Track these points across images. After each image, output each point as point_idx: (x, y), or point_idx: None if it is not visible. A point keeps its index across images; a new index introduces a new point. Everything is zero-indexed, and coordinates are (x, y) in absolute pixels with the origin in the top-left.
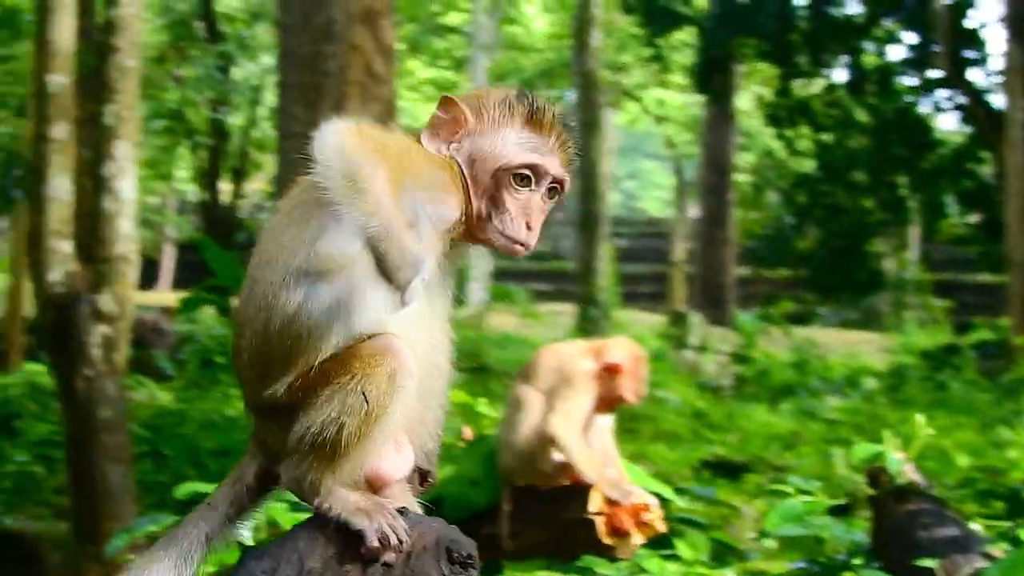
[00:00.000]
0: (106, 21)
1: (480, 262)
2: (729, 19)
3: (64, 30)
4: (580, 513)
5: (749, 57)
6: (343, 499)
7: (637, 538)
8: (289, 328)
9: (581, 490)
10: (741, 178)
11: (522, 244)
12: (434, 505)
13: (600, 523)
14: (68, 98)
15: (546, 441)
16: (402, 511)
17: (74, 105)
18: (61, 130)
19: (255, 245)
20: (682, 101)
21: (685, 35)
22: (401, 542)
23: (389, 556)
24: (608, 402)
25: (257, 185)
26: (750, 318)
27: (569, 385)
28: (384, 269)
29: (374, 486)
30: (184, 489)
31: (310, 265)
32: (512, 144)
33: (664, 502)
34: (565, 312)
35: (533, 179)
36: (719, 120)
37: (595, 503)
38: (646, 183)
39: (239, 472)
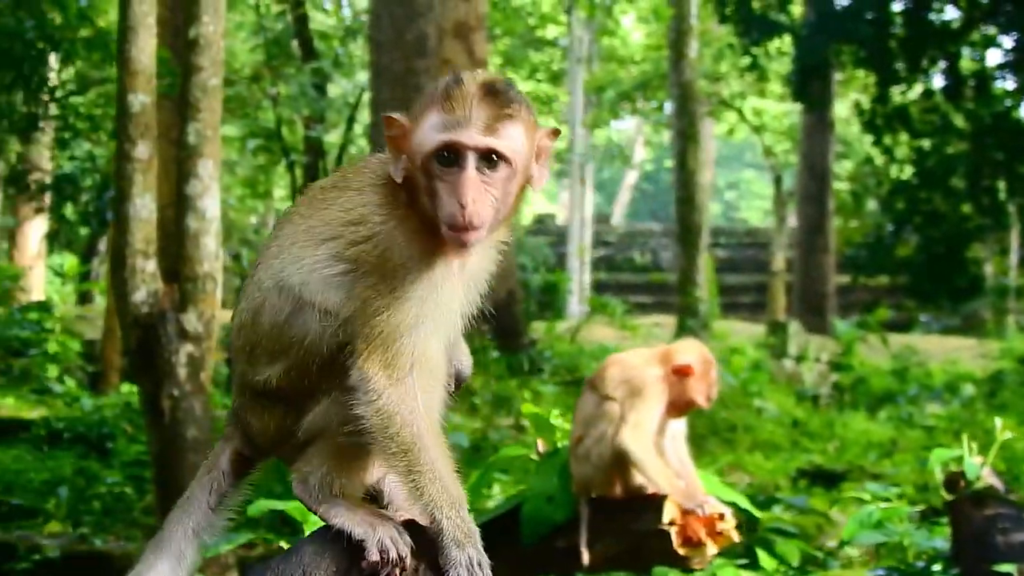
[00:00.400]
0: (188, 39)
1: (577, 275)
2: (826, 26)
3: (145, 49)
4: (654, 524)
5: (846, 64)
6: (346, 508)
7: (711, 548)
8: (282, 328)
9: (655, 501)
10: (840, 186)
11: (460, 227)
12: (512, 525)
13: (674, 534)
14: (150, 117)
15: (619, 453)
16: (408, 525)
17: (156, 124)
18: (144, 149)
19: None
20: (780, 110)
21: (782, 44)
22: (402, 558)
23: (390, 572)
24: (679, 406)
25: None
26: (849, 326)
27: (638, 394)
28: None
29: (381, 497)
30: (257, 507)
31: (310, 295)
32: (427, 130)
33: (742, 511)
34: (664, 324)
35: (457, 158)
36: (817, 128)
37: (669, 513)
38: (745, 193)
39: (213, 459)
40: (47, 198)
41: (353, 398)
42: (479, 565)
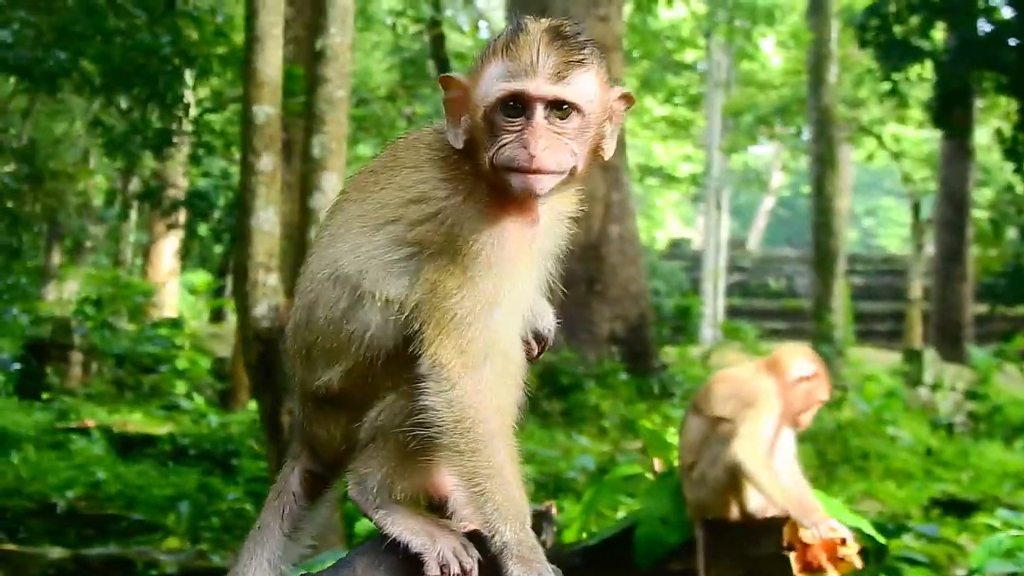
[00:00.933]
0: (315, 51)
1: (711, 300)
2: (967, 53)
3: (271, 60)
4: (772, 548)
5: (988, 91)
6: (405, 515)
7: (832, 574)
8: (340, 324)
9: (773, 524)
10: (979, 214)
11: (526, 168)
12: (626, 546)
13: (793, 559)
14: (275, 129)
15: (732, 467)
16: (472, 536)
17: (281, 136)
18: (268, 161)
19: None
20: (920, 136)
21: (923, 70)
22: (466, 571)
23: None
24: (795, 414)
25: None
26: (986, 355)
27: (751, 406)
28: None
29: (444, 505)
30: (364, 524)
31: (370, 284)
32: (490, 80)
33: (866, 538)
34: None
35: (524, 108)
36: (957, 155)
37: (787, 537)
38: (883, 220)
39: (282, 482)
40: (181, 215)
41: (423, 390)
42: None
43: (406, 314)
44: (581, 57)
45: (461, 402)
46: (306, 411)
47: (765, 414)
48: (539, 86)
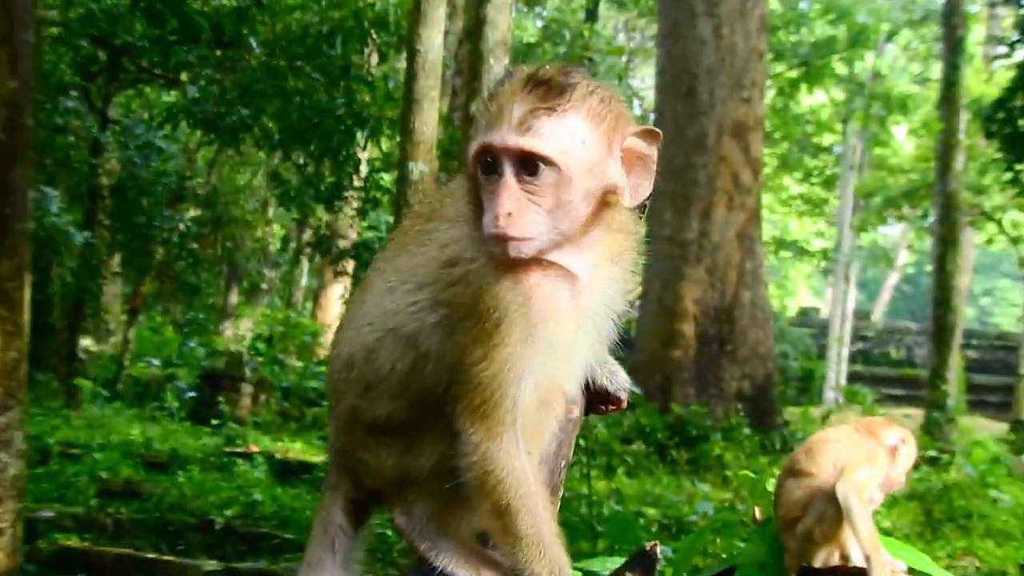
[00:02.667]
0: (469, 114)
1: (834, 365)
2: None
3: (428, 121)
4: None
5: None
6: (453, 548)
7: None
8: (402, 372)
9: (861, 572)
10: None
11: (497, 237)
12: None
13: None
14: (429, 185)
15: (836, 522)
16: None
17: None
18: None
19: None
20: None
21: None
22: None
23: None
24: (890, 481)
25: None
26: None
27: (868, 460)
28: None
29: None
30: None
31: (422, 343)
32: (474, 135)
33: None
34: (913, 415)
35: (495, 163)
36: None
37: None
38: (1000, 300)
39: (326, 515)
40: (349, 264)
41: (456, 449)
42: None
43: (444, 377)
44: (555, 103)
45: (482, 467)
46: (352, 439)
47: (875, 468)
48: (503, 138)
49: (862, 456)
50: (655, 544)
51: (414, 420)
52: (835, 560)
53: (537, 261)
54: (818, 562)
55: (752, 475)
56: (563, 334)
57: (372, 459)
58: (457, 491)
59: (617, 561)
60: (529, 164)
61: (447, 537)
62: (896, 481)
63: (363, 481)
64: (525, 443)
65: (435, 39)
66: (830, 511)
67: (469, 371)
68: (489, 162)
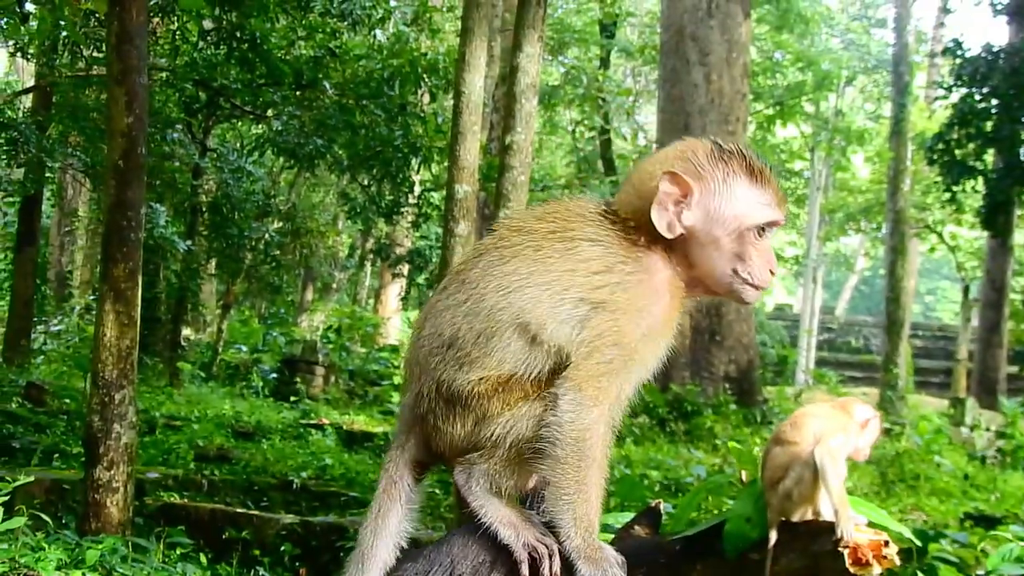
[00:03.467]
0: (504, 144)
1: (804, 353)
2: (1011, 172)
3: (471, 150)
4: (830, 545)
5: None
6: (497, 507)
7: (877, 569)
8: (510, 355)
9: (831, 526)
10: (1015, 296)
11: (761, 286)
12: (716, 539)
13: (847, 554)
14: (471, 203)
15: (812, 483)
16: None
17: (476, 208)
18: (464, 227)
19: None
20: (971, 235)
21: (976, 184)
22: (551, 555)
23: (547, 569)
24: (857, 451)
25: None
26: (1015, 405)
27: (842, 430)
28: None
29: (528, 497)
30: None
31: (548, 336)
32: (751, 203)
33: (905, 542)
34: (870, 394)
35: (768, 231)
36: (1000, 251)
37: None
38: (940, 298)
39: (394, 470)
40: (404, 267)
41: (554, 406)
42: (606, 573)
43: (564, 355)
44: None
45: (584, 424)
46: (435, 407)
47: (847, 439)
48: (783, 215)
49: (837, 427)
50: (659, 502)
51: (491, 397)
52: (809, 516)
53: (667, 290)
54: (795, 518)
55: (738, 444)
56: (664, 343)
57: (447, 427)
58: (514, 464)
59: (627, 516)
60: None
61: (496, 497)
62: (862, 452)
63: (433, 444)
64: (613, 419)
65: (477, 82)
66: (807, 474)
67: (600, 349)
68: (764, 228)
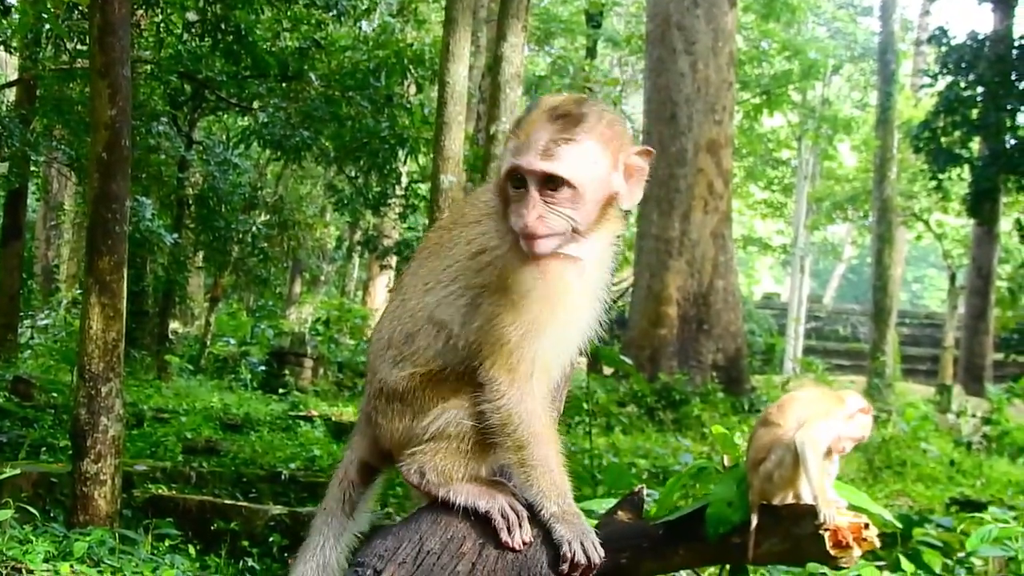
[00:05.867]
0: (489, 134)
1: (792, 341)
2: (997, 160)
3: (456, 140)
4: (811, 528)
5: (1012, 190)
6: (463, 487)
7: (857, 551)
8: (434, 351)
9: (812, 510)
10: (1000, 283)
11: (524, 235)
12: (698, 523)
13: (827, 537)
14: (457, 193)
15: (793, 466)
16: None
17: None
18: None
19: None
20: (957, 223)
21: (962, 171)
22: (520, 520)
23: (518, 536)
24: (845, 438)
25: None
26: (1000, 391)
27: (826, 416)
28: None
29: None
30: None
31: (457, 327)
32: (504, 154)
33: (886, 525)
34: (857, 382)
35: (523, 180)
36: (985, 238)
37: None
38: (927, 286)
39: (343, 472)
40: (392, 259)
41: (479, 398)
42: (584, 535)
43: (472, 344)
44: (571, 135)
45: (508, 409)
46: (378, 405)
47: (829, 426)
48: (530, 162)
49: (821, 413)
50: (641, 488)
51: (424, 390)
52: (791, 500)
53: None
54: (776, 502)
55: (723, 429)
56: (571, 305)
57: (388, 424)
58: (463, 452)
59: (611, 502)
60: (551, 182)
61: (455, 481)
62: (844, 443)
63: (379, 442)
64: (540, 392)
65: (461, 73)
66: (788, 457)
67: (501, 333)
68: (518, 179)
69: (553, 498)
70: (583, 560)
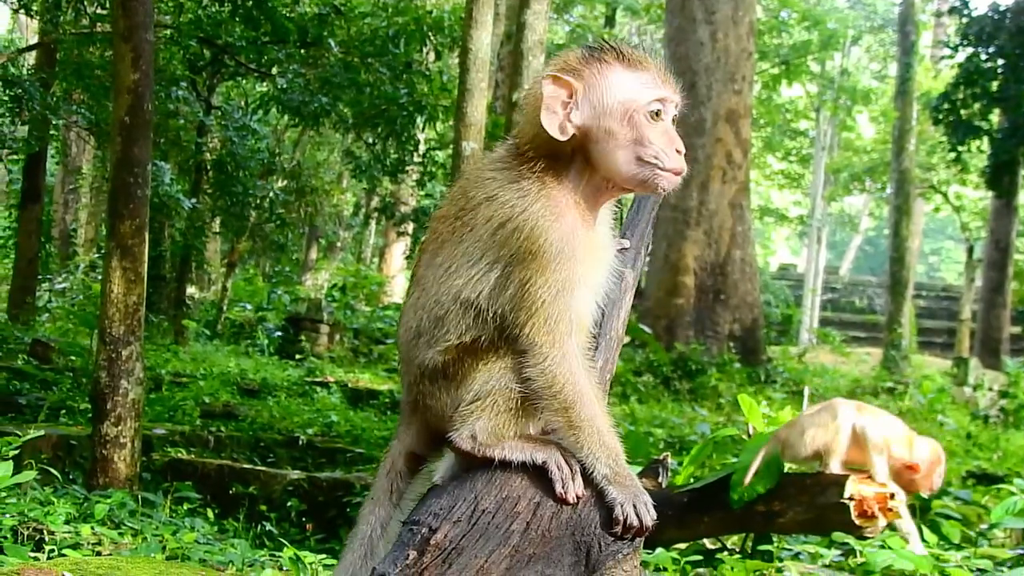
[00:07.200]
0: (512, 101)
1: (808, 312)
2: (1016, 132)
3: (478, 107)
4: (837, 498)
5: None
6: (518, 445)
7: (882, 521)
8: (464, 328)
9: (839, 480)
10: (1019, 256)
11: (673, 169)
12: (723, 491)
13: (852, 507)
14: (477, 158)
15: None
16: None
17: None
18: None
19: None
20: (976, 195)
21: (981, 144)
22: (573, 473)
23: (572, 489)
24: (900, 483)
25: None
26: (1017, 365)
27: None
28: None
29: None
30: None
31: (487, 304)
32: (632, 87)
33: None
34: (873, 354)
35: (663, 111)
36: (1004, 211)
37: (849, 490)
38: (944, 258)
39: (390, 463)
40: (409, 226)
41: (521, 363)
42: (636, 497)
43: (507, 314)
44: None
45: (551, 370)
46: (422, 389)
47: (901, 449)
48: (673, 92)
49: (902, 439)
50: (667, 455)
51: (464, 359)
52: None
53: (570, 207)
54: (803, 465)
55: (750, 399)
56: (593, 263)
57: (435, 403)
58: (512, 412)
59: (633, 470)
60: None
61: (507, 439)
62: (907, 488)
63: (431, 426)
64: (579, 350)
65: (484, 40)
66: (825, 440)
67: (534, 297)
68: (656, 110)
69: (604, 459)
70: (635, 522)
